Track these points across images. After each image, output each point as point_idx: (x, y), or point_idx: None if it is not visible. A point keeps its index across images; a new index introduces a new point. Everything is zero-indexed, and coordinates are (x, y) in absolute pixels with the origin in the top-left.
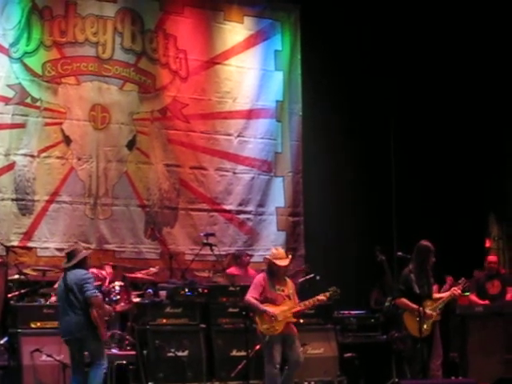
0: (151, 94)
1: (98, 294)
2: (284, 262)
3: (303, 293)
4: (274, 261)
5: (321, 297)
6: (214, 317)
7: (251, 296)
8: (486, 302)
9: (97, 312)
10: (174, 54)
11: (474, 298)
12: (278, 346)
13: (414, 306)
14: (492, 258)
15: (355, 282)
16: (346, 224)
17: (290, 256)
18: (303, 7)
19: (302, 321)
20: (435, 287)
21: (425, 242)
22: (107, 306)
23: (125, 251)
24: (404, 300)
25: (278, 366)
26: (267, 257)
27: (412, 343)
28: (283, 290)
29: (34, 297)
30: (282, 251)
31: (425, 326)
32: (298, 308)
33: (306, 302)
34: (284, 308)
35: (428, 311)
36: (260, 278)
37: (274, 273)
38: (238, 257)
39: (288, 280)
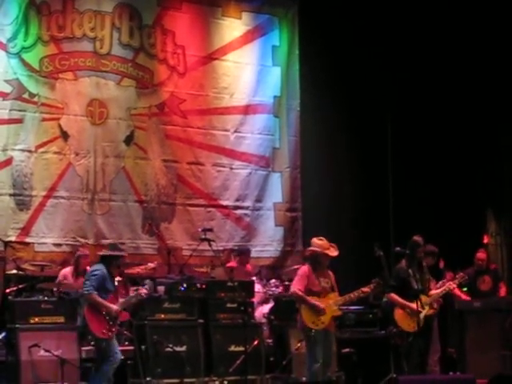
0: (149, 90)
1: (92, 291)
2: (335, 252)
3: None
4: (326, 252)
5: (365, 289)
6: (212, 312)
7: (297, 288)
8: (468, 297)
9: (88, 309)
10: (172, 50)
11: (456, 291)
12: (321, 340)
13: (401, 301)
14: (480, 254)
15: (353, 278)
16: (343, 219)
17: (334, 245)
18: (301, 2)
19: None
20: (433, 283)
21: (415, 237)
22: (112, 306)
23: (122, 246)
24: (393, 295)
25: (320, 361)
26: (313, 248)
27: (404, 338)
28: (327, 282)
29: (31, 292)
30: (326, 241)
31: (417, 321)
32: (343, 300)
33: (351, 295)
34: (329, 301)
35: (415, 306)
36: (305, 269)
37: (319, 264)
38: (241, 253)
39: (329, 271)
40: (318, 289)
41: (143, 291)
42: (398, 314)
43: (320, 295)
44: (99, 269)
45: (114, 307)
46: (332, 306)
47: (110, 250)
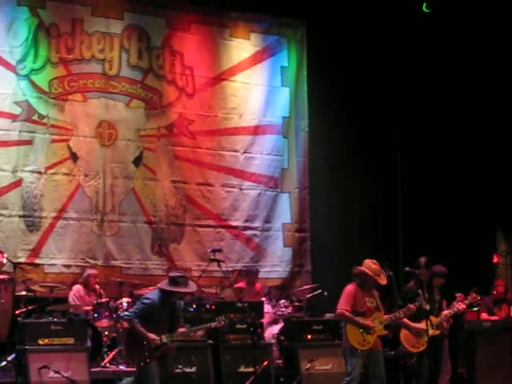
0: (158, 111)
1: (133, 317)
2: (385, 281)
3: (310, 309)
4: (376, 278)
5: (411, 306)
6: (222, 333)
7: (344, 309)
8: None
9: (127, 334)
10: (181, 71)
11: (485, 316)
12: (363, 362)
13: (406, 321)
14: (500, 288)
15: None
16: (352, 239)
17: (383, 271)
18: (309, 23)
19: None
20: (443, 303)
21: (420, 258)
22: (153, 337)
23: (132, 267)
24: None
25: (356, 381)
26: (365, 270)
27: (410, 358)
28: (372, 302)
29: (41, 313)
30: (378, 266)
31: (421, 342)
32: (389, 319)
33: (397, 314)
34: (375, 321)
35: (420, 326)
36: (351, 289)
37: (365, 285)
38: (249, 274)
39: (374, 291)
40: (364, 309)
41: (214, 324)
42: (404, 334)
43: (365, 315)
44: (151, 298)
45: (156, 339)
46: (378, 325)
47: (171, 284)
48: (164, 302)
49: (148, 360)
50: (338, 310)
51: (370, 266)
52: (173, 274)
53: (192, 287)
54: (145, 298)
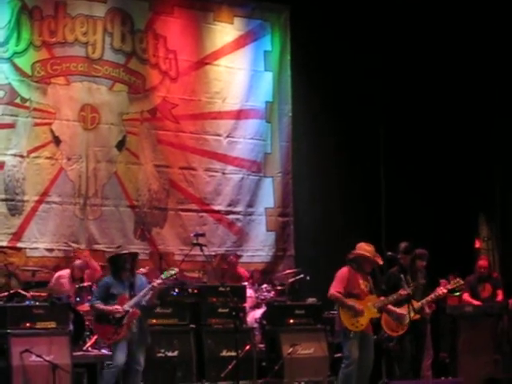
0: (141, 95)
1: (94, 302)
2: (382, 261)
3: (293, 293)
4: (375, 259)
5: (403, 291)
6: (204, 317)
7: (336, 291)
8: (479, 302)
9: (94, 320)
10: (164, 55)
11: (467, 297)
12: (358, 343)
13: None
14: (483, 262)
15: None
16: (335, 224)
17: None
18: (293, 8)
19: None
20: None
21: (400, 243)
22: (117, 308)
23: (114, 251)
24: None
25: (355, 363)
26: (362, 252)
27: (389, 342)
28: (366, 285)
29: (23, 297)
30: (373, 248)
31: (401, 326)
32: (382, 302)
33: (390, 297)
34: (367, 303)
35: (401, 311)
36: (344, 271)
37: (361, 268)
38: (226, 257)
39: (368, 276)
40: (358, 291)
41: (156, 282)
42: (384, 318)
43: (359, 297)
44: (102, 279)
45: (119, 308)
46: (370, 307)
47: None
48: (116, 275)
49: (119, 331)
50: (329, 291)
51: (365, 248)
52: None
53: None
54: (99, 282)
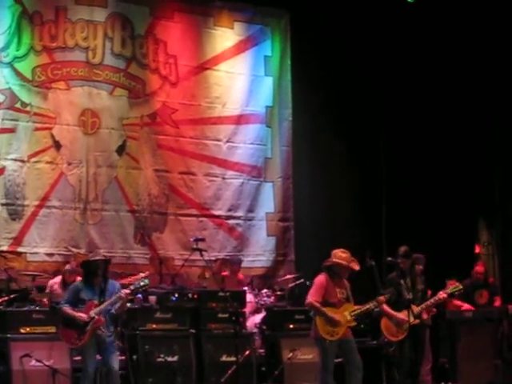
0: (141, 100)
1: (62, 305)
2: (358, 266)
3: (293, 298)
4: (351, 265)
5: (381, 298)
6: (204, 322)
7: (314, 300)
8: (469, 306)
9: (61, 323)
10: (164, 60)
11: (457, 302)
12: (334, 352)
13: (387, 310)
14: (479, 268)
15: None
16: (335, 229)
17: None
18: (293, 13)
19: (362, 326)
20: (428, 293)
21: (399, 247)
22: (81, 314)
23: (114, 256)
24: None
25: (332, 371)
26: (337, 260)
27: (395, 348)
28: (343, 293)
29: (23, 302)
30: (349, 254)
31: (401, 331)
32: (359, 311)
33: (367, 305)
34: (344, 312)
35: (401, 316)
36: (322, 280)
37: (337, 275)
38: (231, 263)
39: (345, 282)
40: (335, 300)
41: (124, 292)
42: (384, 323)
43: (336, 306)
44: (74, 283)
45: (83, 315)
46: (347, 316)
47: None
48: (87, 280)
49: (82, 337)
50: (307, 299)
51: (340, 255)
52: None
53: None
54: (70, 286)
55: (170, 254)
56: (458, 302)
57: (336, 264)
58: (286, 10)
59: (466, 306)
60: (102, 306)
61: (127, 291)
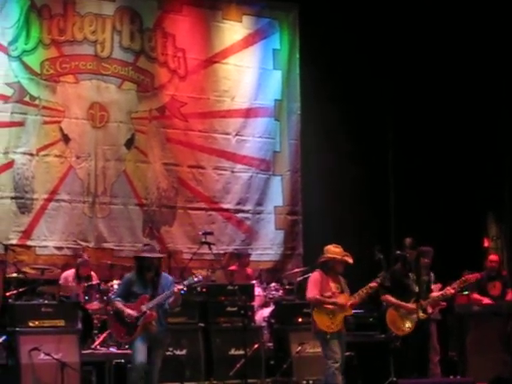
0: (149, 93)
1: (114, 299)
2: (351, 260)
3: (301, 292)
4: (344, 259)
5: (373, 284)
6: (213, 316)
7: (314, 294)
8: (489, 300)
9: (110, 316)
10: (173, 53)
11: (476, 296)
12: (337, 341)
13: (395, 301)
14: (493, 257)
15: (354, 281)
16: (344, 223)
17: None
18: (302, 6)
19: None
20: (438, 286)
21: (405, 238)
22: (130, 311)
23: (123, 250)
24: (388, 297)
25: (339, 362)
26: (331, 255)
27: (396, 341)
28: (337, 288)
29: (32, 295)
30: (341, 249)
31: (407, 325)
32: (354, 300)
33: (360, 292)
34: (341, 303)
35: (411, 306)
36: (317, 275)
37: (331, 271)
38: (240, 256)
39: (340, 277)
40: (329, 294)
41: (177, 287)
42: (390, 315)
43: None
44: (126, 276)
45: (131, 312)
46: (343, 306)
47: (141, 252)
48: (140, 274)
49: (132, 332)
50: (308, 296)
51: (333, 250)
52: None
53: (156, 254)
54: (123, 278)
55: (178, 248)
56: (478, 297)
57: (330, 259)
58: (295, 3)
59: (486, 300)
60: (155, 301)
61: (180, 286)
